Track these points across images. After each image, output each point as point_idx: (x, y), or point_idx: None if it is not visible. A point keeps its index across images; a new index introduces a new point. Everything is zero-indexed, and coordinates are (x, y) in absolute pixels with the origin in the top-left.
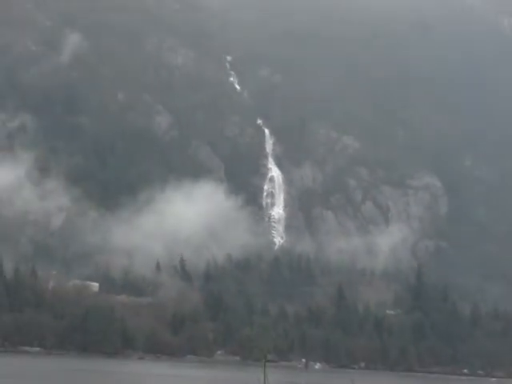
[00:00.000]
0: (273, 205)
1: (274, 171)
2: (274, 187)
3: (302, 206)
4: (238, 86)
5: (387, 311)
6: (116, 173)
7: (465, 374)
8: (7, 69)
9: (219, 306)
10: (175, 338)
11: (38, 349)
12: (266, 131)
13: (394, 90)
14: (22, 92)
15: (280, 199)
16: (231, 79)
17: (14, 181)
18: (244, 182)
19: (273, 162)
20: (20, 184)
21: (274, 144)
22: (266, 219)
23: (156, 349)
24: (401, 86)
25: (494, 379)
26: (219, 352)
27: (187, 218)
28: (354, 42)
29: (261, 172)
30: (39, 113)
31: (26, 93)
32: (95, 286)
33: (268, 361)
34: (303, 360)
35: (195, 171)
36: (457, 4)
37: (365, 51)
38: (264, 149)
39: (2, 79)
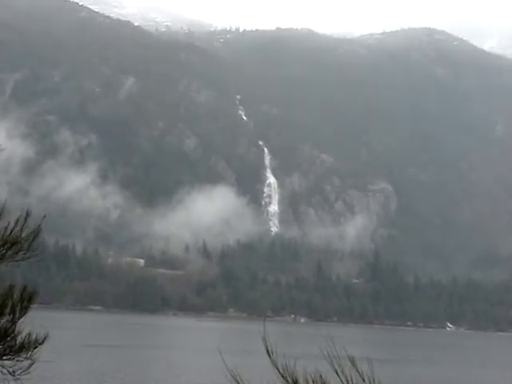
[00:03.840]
0: (270, 203)
1: (271, 179)
2: (270, 190)
3: (291, 204)
4: (245, 117)
5: (353, 280)
6: (156, 180)
7: (409, 326)
8: (80, 103)
9: (231, 276)
10: (199, 299)
11: (100, 307)
12: (265, 150)
13: (359, 120)
14: (90, 120)
15: (275, 199)
16: (240, 112)
17: (83, 185)
18: (249, 187)
19: (270, 172)
20: (87, 187)
21: (271, 159)
22: (265, 214)
23: (185, 307)
24: (363, 117)
25: (430, 329)
26: (231, 310)
27: (208, 212)
28: (330, 84)
29: (261, 179)
30: (102, 135)
31: (93, 120)
32: (141, 262)
33: (267, 316)
34: (292, 316)
35: (214, 179)
36: (402, 57)
37: (339, 91)
38: (264, 162)
39: (76, 111)
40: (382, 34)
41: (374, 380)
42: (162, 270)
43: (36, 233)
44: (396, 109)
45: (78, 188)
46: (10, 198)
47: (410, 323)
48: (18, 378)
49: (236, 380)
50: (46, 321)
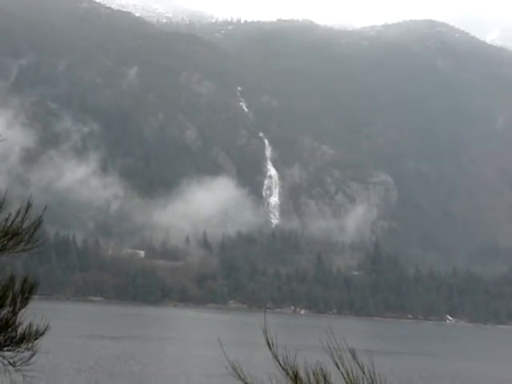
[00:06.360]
0: (270, 195)
1: (272, 171)
2: (271, 182)
3: (292, 196)
4: (245, 109)
5: (353, 272)
6: (157, 171)
7: (409, 318)
8: (81, 94)
9: (231, 268)
10: (200, 291)
11: (100, 299)
12: (266, 141)
13: (359, 112)
14: (91, 110)
15: (276, 191)
16: (241, 103)
17: (83, 175)
18: (249, 178)
19: (270, 164)
20: (87, 178)
21: (271, 151)
22: (265, 205)
23: (186, 299)
24: (364, 109)
25: (430, 322)
26: (231, 301)
27: (208, 204)
28: (331, 76)
29: (262, 171)
30: (102, 126)
31: (94, 111)
32: (141, 253)
33: (267, 308)
34: (292, 307)
35: (214, 170)
36: (403, 49)
37: (339, 83)
38: (264, 154)
39: (77, 101)
40: (383, 26)
41: (374, 372)
42: (162, 262)
43: (37, 224)
44: (397, 101)
45: (79, 178)
46: (10, 188)
47: (410, 316)
48: (19, 369)
49: (236, 372)
50: (47, 312)
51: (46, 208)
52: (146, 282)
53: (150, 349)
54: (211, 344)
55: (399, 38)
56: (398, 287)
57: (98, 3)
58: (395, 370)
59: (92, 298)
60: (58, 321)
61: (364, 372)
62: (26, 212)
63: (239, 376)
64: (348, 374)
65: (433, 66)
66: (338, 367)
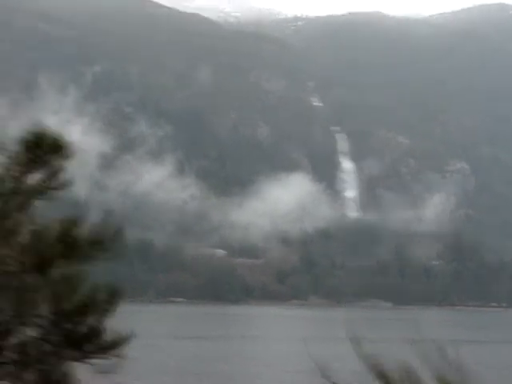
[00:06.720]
0: (346, 188)
1: (347, 164)
2: (347, 175)
3: (368, 188)
4: (317, 104)
5: (433, 262)
6: (232, 170)
7: (493, 307)
8: (156, 97)
9: (311, 263)
10: (281, 287)
11: (182, 299)
12: (340, 135)
13: (433, 102)
14: (166, 112)
15: (352, 184)
16: (312, 98)
17: (160, 178)
18: (325, 173)
19: (345, 157)
20: (164, 180)
21: (345, 144)
22: (342, 199)
23: (267, 296)
24: (438, 98)
25: None
26: (313, 297)
27: (284, 200)
28: (402, 66)
29: (337, 164)
30: (176, 128)
31: (169, 113)
32: (222, 252)
33: (348, 302)
34: (373, 300)
35: (289, 166)
36: (475, 35)
37: (409, 73)
38: (338, 148)
39: (152, 104)
40: (454, 12)
41: (460, 365)
42: (241, 260)
43: (119, 232)
44: (471, 87)
45: (156, 181)
46: (90, 193)
47: (494, 304)
48: (107, 376)
49: (322, 370)
50: (131, 315)
51: (126, 214)
52: (227, 280)
53: (233, 347)
54: (295, 340)
55: (471, 23)
56: (480, 275)
57: (165, 6)
58: (481, 359)
59: (174, 299)
60: (141, 323)
61: (451, 365)
62: (108, 220)
63: (325, 374)
64: (435, 368)
65: (506, 50)
66: (422, 361)
